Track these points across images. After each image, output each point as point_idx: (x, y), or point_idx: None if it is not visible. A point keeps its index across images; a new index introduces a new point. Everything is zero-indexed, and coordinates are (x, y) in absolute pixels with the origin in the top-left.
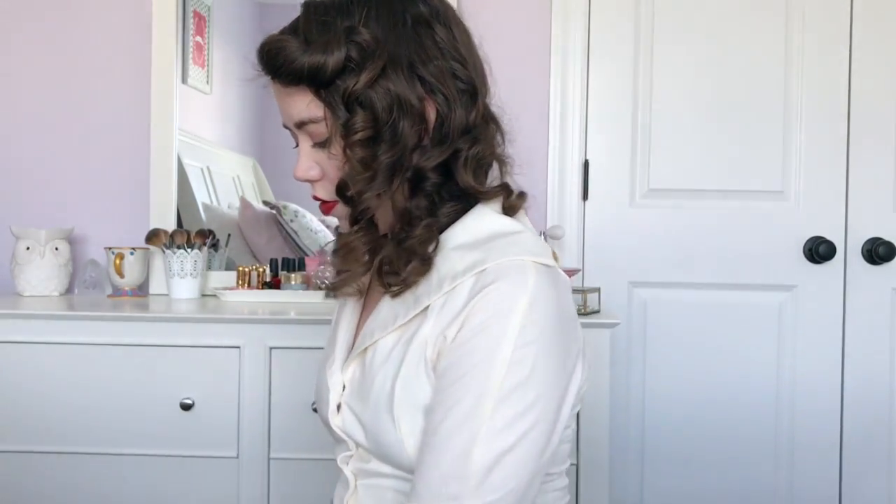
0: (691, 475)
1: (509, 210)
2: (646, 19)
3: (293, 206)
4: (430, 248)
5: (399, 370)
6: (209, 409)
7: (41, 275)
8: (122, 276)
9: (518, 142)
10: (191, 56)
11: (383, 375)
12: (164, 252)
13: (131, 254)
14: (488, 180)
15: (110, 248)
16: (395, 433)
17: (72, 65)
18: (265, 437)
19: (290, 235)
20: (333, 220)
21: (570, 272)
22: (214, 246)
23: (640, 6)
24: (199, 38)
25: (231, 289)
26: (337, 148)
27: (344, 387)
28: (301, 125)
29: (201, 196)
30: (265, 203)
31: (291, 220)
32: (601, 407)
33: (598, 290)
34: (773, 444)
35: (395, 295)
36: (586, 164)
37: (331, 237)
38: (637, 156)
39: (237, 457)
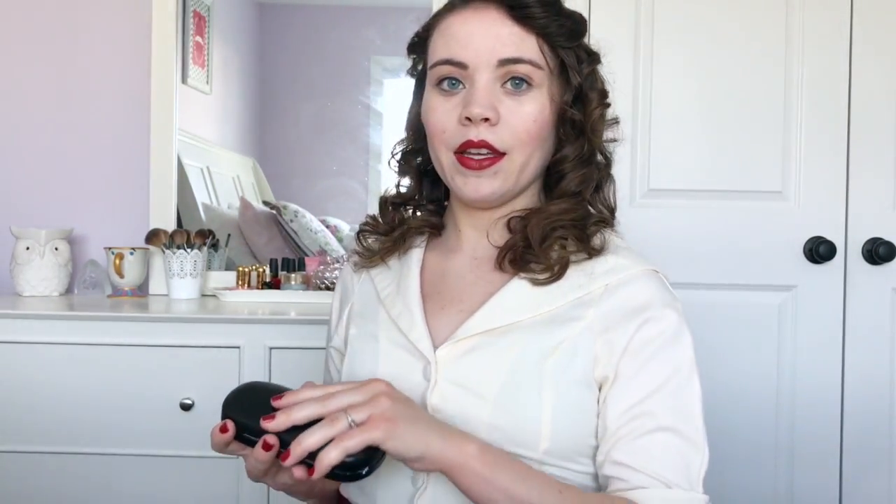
0: None
1: None
2: (646, 19)
3: (293, 207)
4: (601, 246)
5: (553, 352)
6: (209, 409)
7: (41, 275)
8: (121, 276)
9: None
10: (191, 56)
11: (529, 351)
12: (163, 252)
13: (131, 254)
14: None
15: (110, 248)
16: (536, 409)
17: (72, 65)
18: None
19: (289, 235)
20: (333, 220)
21: None
22: (214, 246)
23: (639, 6)
24: (199, 38)
25: (231, 289)
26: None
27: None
28: (509, 62)
29: (201, 196)
30: (265, 203)
31: (291, 221)
32: None
33: None
34: (772, 443)
35: (540, 283)
36: None
37: (331, 237)
38: (637, 156)
39: (237, 457)
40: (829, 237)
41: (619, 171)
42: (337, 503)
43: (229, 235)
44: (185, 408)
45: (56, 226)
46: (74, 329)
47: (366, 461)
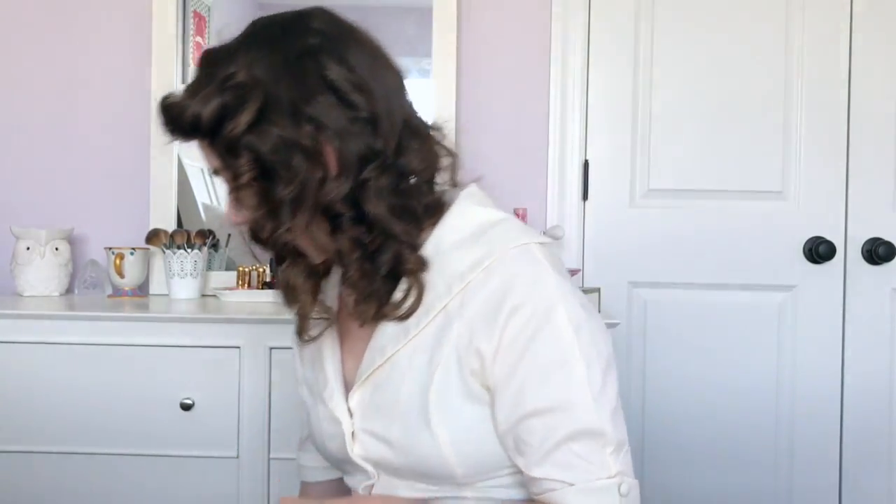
0: (692, 475)
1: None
2: (646, 19)
3: None
4: (424, 272)
5: (431, 380)
6: (209, 409)
7: (41, 275)
8: (122, 276)
9: (518, 142)
10: (191, 56)
11: (409, 388)
12: (164, 252)
13: (131, 254)
14: (445, 181)
15: (110, 248)
16: (433, 445)
17: (72, 65)
18: (265, 437)
19: None
20: None
21: (570, 272)
22: (214, 246)
23: (640, 6)
24: (199, 38)
25: (231, 289)
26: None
27: (350, 414)
28: (215, 174)
29: (201, 196)
30: None
31: None
32: None
33: (598, 290)
34: (773, 443)
35: (403, 319)
36: (586, 164)
37: None
38: (637, 156)
39: (237, 457)
40: (829, 237)
41: (619, 171)
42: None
43: (230, 235)
44: (186, 408)
45: (56, 226)
46: (74, 329)
47: None
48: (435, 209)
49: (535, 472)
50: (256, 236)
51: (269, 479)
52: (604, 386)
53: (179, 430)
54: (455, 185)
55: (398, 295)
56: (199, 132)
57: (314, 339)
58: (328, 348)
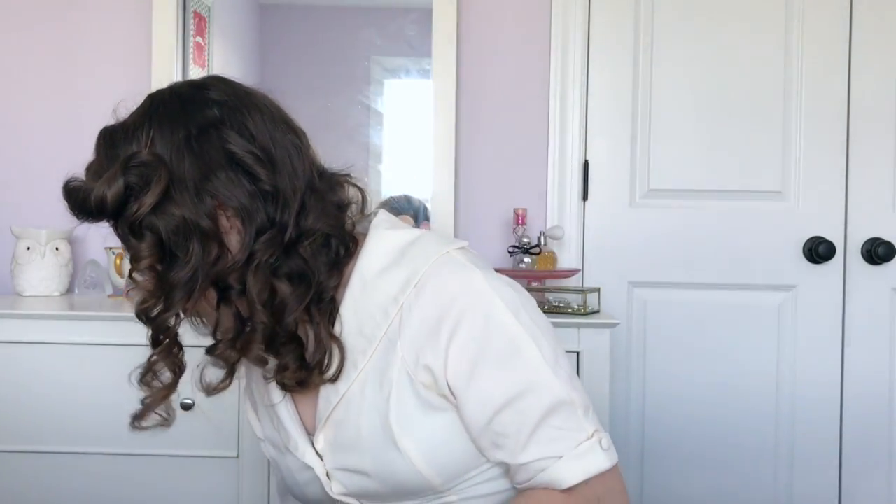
0: (691, 475)
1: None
2: (646, 19)
3: None
4: (338, 330)
5: (388, 403)
6: (209, 409)
7: (41, 275)
8: (122, 276)
9: (518, 142)
10: (191, 56)
11: (369, 417)
12: None
13: None
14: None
15: (111, 248)
16: (405, 463)
17: (72, 65)
18: None
19: None
20: None
21: (570, 272)
22: None
23: (639, 6)
24: (199, 39)
25: None
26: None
27: (320, 457)
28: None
29: None
30: None
31: None
32: (601, 407)
33: (598, 290)
34: (772, 443)
35: (333, 381)
36: (586, 164)
37: None
38: (637, 156)
39: (237, 457)
40: (828, 237)
41: (619, 171)
42: None
43: None
44: (185, 408)
45: (56, 226)
46: (75, 329)
47: None
48: (348, 247)
49: (522, 458)
50: (143, 315)
51: (269, 479)
52: (556, 356)
53: (179, 430)
54: (363, 215)
55: (323, 363)
56: (105, 214)
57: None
58: (283, 407)
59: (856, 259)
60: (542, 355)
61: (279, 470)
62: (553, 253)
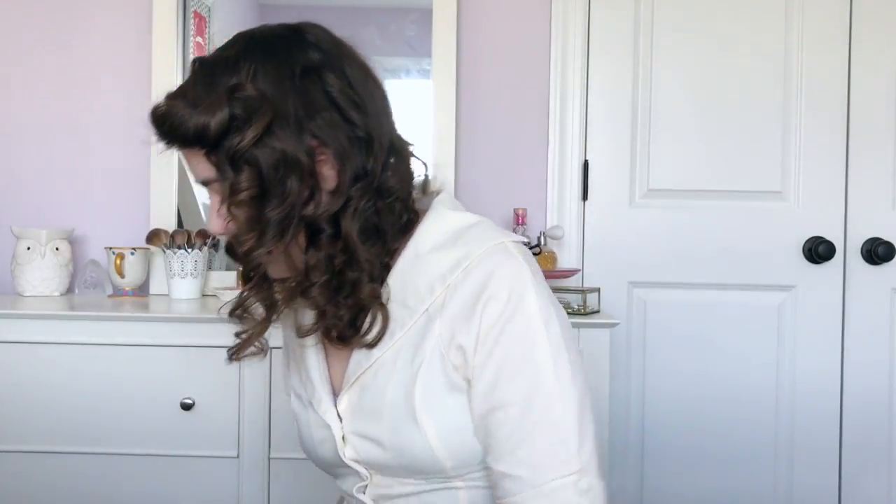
0: (691, 475)
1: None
2: (645, 19)
3: None
4: (384, 298)
5: (416, 377)
6: (209, 409)
7: (42, 275)
8: (122, 276)
9: (518, 142)
10: (191, 56)
11: (395, 387)
12: (164, 252)
13: (132, 254)
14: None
15: (111, 248)
16: (422, 440)
17: (72, 65)
18: (265, 437)
19: None
20: None
21: (570, 272)
22: (215, 246)
23: (639, 6)
24: (199, 39)
25: (231, 289)
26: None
27: (340, 419)
28: (205, 184)
29: (202, 196)
30: None
31: None
32: (601, 407)
33: (597, 290)
34: (772, 443)
35: (370, 347)
36: (586, 164)
37: None
38: (637, 156)
39: (237, 457)
40: (828, 237)
41: (619, 171)
42: None
43: None
44: (186, 408)
45: (57, 226)
46: (75, 329)
47: None
48: (410, 219)
49: (498, 466)
50: (233, 249)
51: (269, 479)
52: (571, 377)
53: (180, 430)
54: (426, 193)
55: (364, 326)
56: (203, 143)
57: (250, 356)
58: (312, 357)
59: (856, 259)
60: (555, 374)
61: (298, 425)
62: (553, 253)
